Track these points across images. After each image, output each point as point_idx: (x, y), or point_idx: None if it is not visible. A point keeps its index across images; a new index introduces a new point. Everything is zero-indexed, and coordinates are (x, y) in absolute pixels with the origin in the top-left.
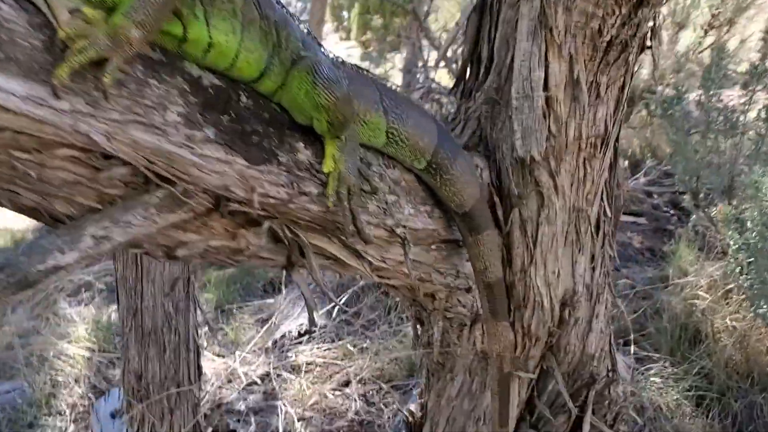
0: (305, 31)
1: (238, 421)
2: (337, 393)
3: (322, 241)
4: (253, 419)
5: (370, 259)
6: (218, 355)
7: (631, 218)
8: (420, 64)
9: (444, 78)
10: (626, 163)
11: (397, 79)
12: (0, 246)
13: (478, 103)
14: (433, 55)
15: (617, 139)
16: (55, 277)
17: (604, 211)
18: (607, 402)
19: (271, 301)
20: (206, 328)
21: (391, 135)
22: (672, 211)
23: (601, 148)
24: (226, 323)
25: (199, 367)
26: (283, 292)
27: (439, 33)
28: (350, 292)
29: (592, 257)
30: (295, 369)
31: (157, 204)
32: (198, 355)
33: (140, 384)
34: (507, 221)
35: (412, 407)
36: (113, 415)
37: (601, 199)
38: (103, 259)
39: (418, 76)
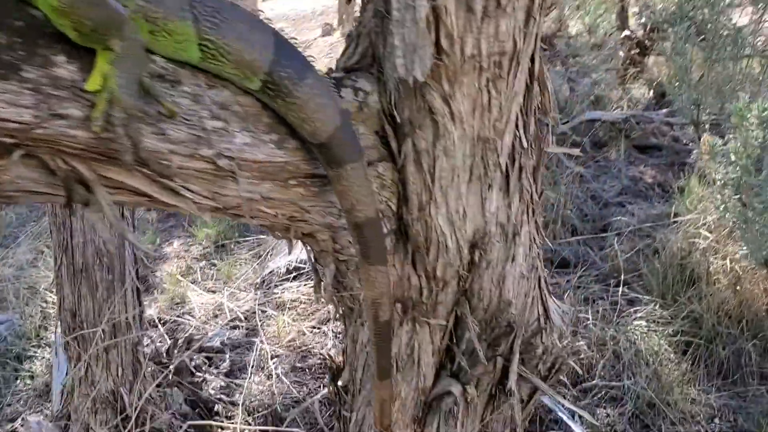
0: None
1: (210, 358)
2: (315, 331)
3: (121, 174)
4: (228, 356)
5: (191, 195)
6: (210, 291)
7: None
8: None
9: None
10: (651, 93)
11: None
12: None
13: (368, 16)
14: None
15: (533, 59)
16: None
17: (520, 142)
18: (538, 351)
19: (268, 236)
20: (202, 264)
21: (205, 48)
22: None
23: (509, 69)
24: (220, 259)
25: (140, 303)
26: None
27: None
28: None
29: (507, 193)
30: (279, 306)
31: None
32: (138, 293)
33: (75, 321)
34: (401, 154)
35: (332, 352)
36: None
37: (516, 127)
38: None
39: None
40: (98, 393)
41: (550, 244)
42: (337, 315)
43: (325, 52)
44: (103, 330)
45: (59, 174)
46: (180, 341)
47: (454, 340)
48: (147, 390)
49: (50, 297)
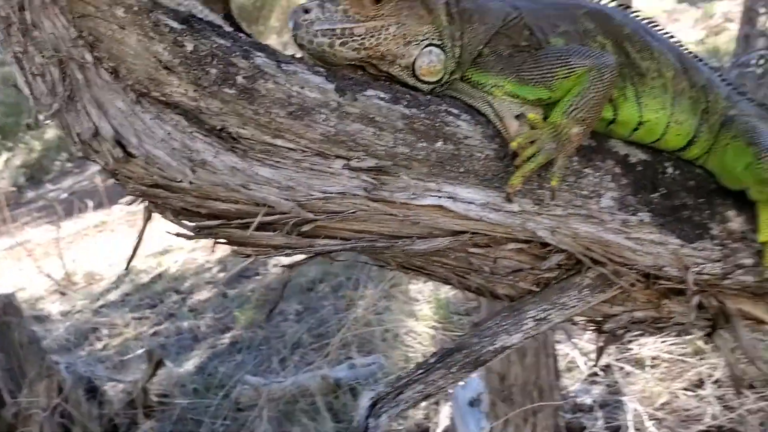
0: (724, 81)
1: (581, 414)
2: (689, 393)
3: (746, 304)
4: (599, 414)
5: None
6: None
7: None
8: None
9: None
10: None
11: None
12: None
13: None
14: None
15: None
16: (501, 356)
17: None
18: None
19: None
20: None
21: None
22: None
23: None
24: None
25: (557, 372)
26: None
27: None
28: None
29: None
30: (638, 363)
31: (588, 285)
32: (555, 359)
33: (503, 385)
34: None
35: None
36: (471, 404)
37: None
38: None
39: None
40: None
41: None
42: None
43: None
44: (530, 393)
45: (708, 308)
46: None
47: None
48: None
49: (409, 341)
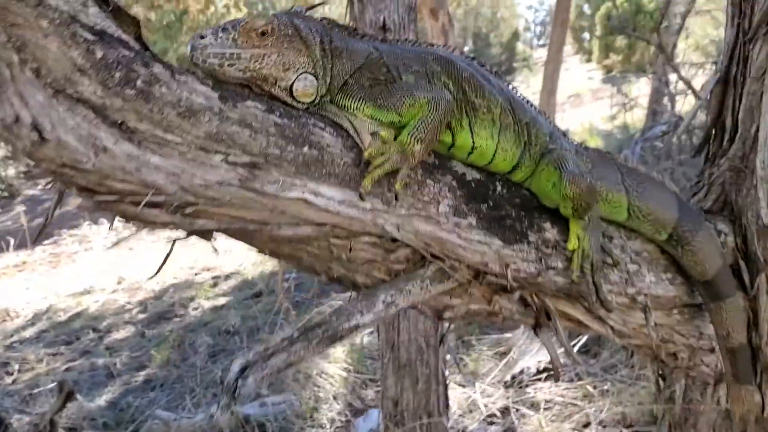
0: (551, 123)
1: None
2: None
3: (566, 306)
4: None
5: (611, 323)
6: (459, 385)
7: None
8: (666, 97)
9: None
10: None
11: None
12: (271, 270)
13: (723, 170)
14: (680, 86)
15: None
16: (355, 333)
17: None
18: None
19: (509, 335)
20: (449, 358)
21: (632, 211)
22: None
23: None
24: (466, 354)
25: (446, 399)
26: (521, 327)
27: (688, 52)
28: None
29: None
30: (533, 405)
31: (430, 276)
32: (446, 387)
33: (396, 410)
34: (753, 285)
35: None
36: None
37: None
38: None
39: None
40: None
41: None
42: (665, 424)
43: None
44: (420, 417)
45: (533, 306)
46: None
47: None
48: None
49: (321, 382)
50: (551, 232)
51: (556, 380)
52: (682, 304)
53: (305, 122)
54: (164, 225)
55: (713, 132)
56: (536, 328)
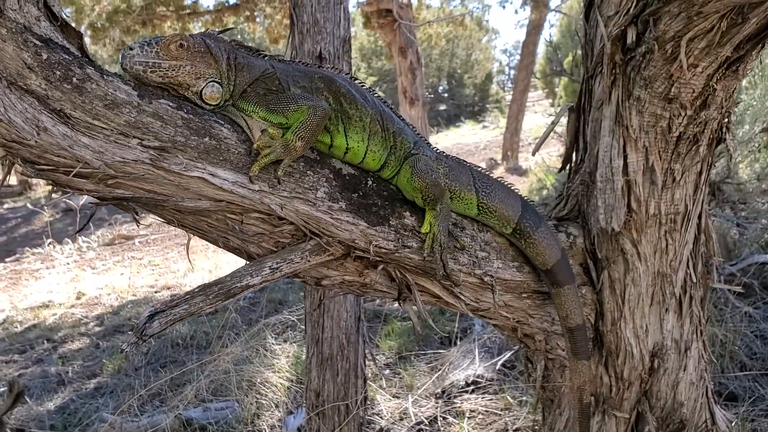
0: (417, 135)
1: None
2: None
3: (425, 282)
4: None
5: (465, 299)
6: (394, 396)
7: None
8: None
9: None
10: None
11: None
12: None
13: (576, 184)
14: None
15: (700, 216)
16: (246, 293)
17: (690, 277)
18: None
19: (445, 351)
20: (386, 371)
21: (481, 207)
22: None
23: (682, 224)
24: (403, 368)
25: (365, 391)
26: (457, 345)
27: None
28: (515, 349)
29: (681, 316)
30: (459, 415)
31: (309, 249)
32: (365, 381)
33: (318, 400)
34: (599, 280)
35: None
36: (299, 430)
37: (687, 266)
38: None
39: None
40: None
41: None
42: (539, 406)
43: None
44: (339, 408)
45: (396, 280)
46: None
47: None
48: None
49: (264, 390)
50: (410, 220)
51: (417, 343)
52: (531, 290)
53: (207, 119)
54: (89, 192)
55: (571, 153)
56: (400, 299)
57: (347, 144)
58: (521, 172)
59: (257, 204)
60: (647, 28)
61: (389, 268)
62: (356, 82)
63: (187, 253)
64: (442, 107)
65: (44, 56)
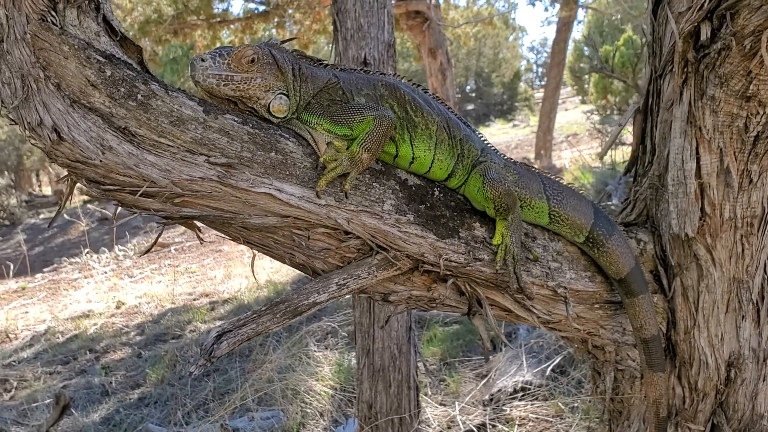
0: (484, 141)
1: None
2: None
3: (496, 295)
4: None
5: (537, 312)
6: (441, 404)
7: None
8: None
9: None
10: None
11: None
12: (267, 295)
13: (644, 187)
14: None
15: None
16: (313, 310)
17: None
18: None
19: (490, 357)
20: (429, 379)
21: (552, 216)
22: None
23: (759, 227)
24: (448, 375)
25: (417, 403)
26: (503, 350)
27: None
28: (564, 354)
29: (758, 324)
30: (509, 422)
31: (376, 264)
32: (417, 392)
33: (370, 412)
34: (670, 288)
35: None
36: None
37: (765, 271)
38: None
39: None
40: None
41: None
42: (606, 418)
43: None
44: (393, 421)
45: (466, 294)
46: None
47: None
48: None
49: (308, 398)
50: (480, 231)
51: (486, 360)
52: (603, 301)
53: (273, 133)
54: (156, 211)
55: (638, 155)
56: (470, 314)
57: (413, 153)
58: (556, 171)
59: (324, 219)
60: (722, 24)
61: (459, 282)
62: (418, 87)
63: (252, 270)
64: (470, 107)
65: (108, 73)
